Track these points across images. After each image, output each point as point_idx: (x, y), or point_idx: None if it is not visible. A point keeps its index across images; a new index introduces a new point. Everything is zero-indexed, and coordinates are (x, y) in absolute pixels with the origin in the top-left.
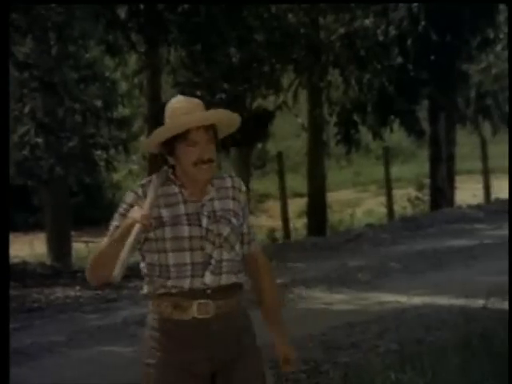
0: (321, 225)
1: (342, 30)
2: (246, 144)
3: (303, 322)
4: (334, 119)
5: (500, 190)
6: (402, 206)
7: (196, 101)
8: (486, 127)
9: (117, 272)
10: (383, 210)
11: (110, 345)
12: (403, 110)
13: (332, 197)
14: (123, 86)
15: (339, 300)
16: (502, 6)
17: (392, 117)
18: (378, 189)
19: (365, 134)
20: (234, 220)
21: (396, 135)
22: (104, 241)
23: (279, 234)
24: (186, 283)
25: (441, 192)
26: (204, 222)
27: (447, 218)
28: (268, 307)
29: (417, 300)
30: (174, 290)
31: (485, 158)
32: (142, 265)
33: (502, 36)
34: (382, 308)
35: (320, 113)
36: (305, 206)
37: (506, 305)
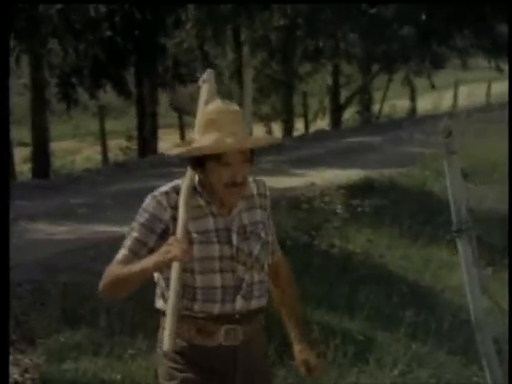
0: (45, 169)
1: (58, 5)
2: None
3: (29, 250)
4: (54, 81)
5: None
6: (115, 154)
7: (234, 110)
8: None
9: (169, 344)
10: (99, 157)
11: None
12: (114, 74)
13: (55, 146)
14: None
15: (61, 231)
16: None
17: (105, 80)
18: (95, 140)
19: (82, 94)
20: (263, 234)
21: (109, 95)
22: (122, 253)
23: None
24: (215, 308)
25: (146, 142)
26: (234, 239)
27: (152, 164)
28: (290, 314)
29: (125, 230)
30: (200, 314)
31: (180, 116)
32: (159, 277)
33: (190, 16)
34: (98, 237)
35: (42, 75)
36: (30, 153)
37: None
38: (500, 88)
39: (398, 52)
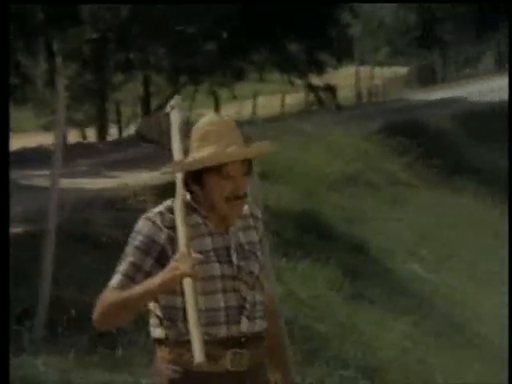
0: None
1: None
2: None
3: None
4: None
5: None
6: None
7: (231, 123)
8: None
9: (201, 356)
10: None
11: None
12: None
13: None
14: None
15: None
16: None
17: None
18: None
19: None
20: (259, 255)
21: None
22: (116, 279)
23: None
24: (221, 331)
25: None
26: (234, 258)
27: None
28: (277, 349)
29: None
30: (204, 338)
31: None
32: (155, 306)
33: None
34: None
35: None
36: None
37: None
38: (292, 99)
39: (202, 65)
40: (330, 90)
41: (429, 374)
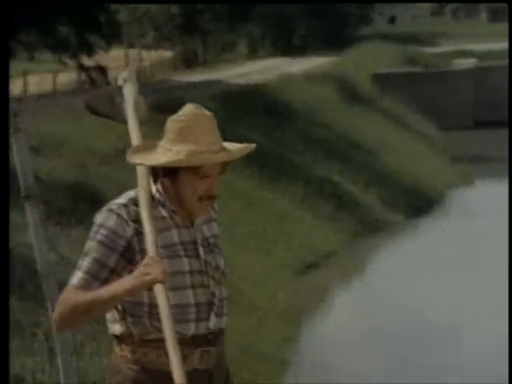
0: None
1: None
2: None
3: None
4: None
5: None
6: None
7: (209, 116)
8: None
9: (182, 376)
10: None
11: None
12: None
13: None
14: None
15: None
16: None
17: None
18: None
19: None
20: (221, 248)
21: None
22: (79, 277)
23: None
24: (190, 329)
25: None
26: (201, 252)
27: None
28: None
29: None
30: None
31: None
32: None
33: None
34: None
35: None
36: None
37: None
38: (65, 78)
39: None
40: (101, 70)
41: None
